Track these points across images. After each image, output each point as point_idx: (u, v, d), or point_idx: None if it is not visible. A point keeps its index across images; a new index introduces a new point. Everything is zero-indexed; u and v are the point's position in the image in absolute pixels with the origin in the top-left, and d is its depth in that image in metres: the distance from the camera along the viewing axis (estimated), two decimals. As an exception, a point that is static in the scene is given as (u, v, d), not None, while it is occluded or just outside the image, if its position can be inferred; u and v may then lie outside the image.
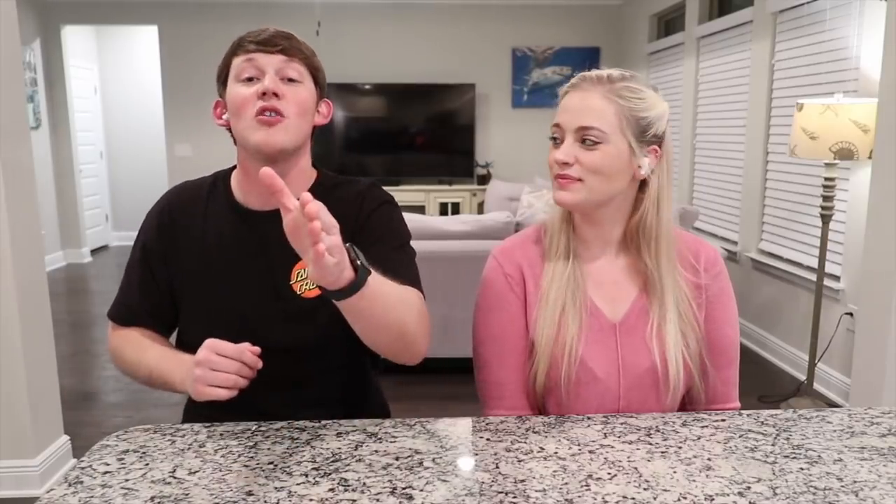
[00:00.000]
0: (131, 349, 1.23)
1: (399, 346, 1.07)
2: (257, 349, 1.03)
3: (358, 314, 0.97)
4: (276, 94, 1.11)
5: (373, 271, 0.95)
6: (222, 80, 1.18)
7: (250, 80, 1.13)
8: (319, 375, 1.22)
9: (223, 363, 1.01)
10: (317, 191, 1.21)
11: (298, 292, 1.18)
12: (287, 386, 1.18)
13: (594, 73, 1.14)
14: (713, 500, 0.84)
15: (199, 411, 1.25)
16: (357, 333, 1.02)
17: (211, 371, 1.00)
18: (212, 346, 1.02)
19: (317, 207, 0.84)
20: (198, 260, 1.21)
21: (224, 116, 1.19)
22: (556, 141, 1.13)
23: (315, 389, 1.22)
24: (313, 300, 1.17)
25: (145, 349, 1.21)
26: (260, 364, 1.03)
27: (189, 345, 1.16)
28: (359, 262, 0.92)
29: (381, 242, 1.18)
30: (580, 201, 1.12)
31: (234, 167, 1.27)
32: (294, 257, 1.13)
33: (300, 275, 1.18)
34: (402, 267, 1.16)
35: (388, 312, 1.01)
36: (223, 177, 1.27)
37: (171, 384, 1.13)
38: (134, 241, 1.29)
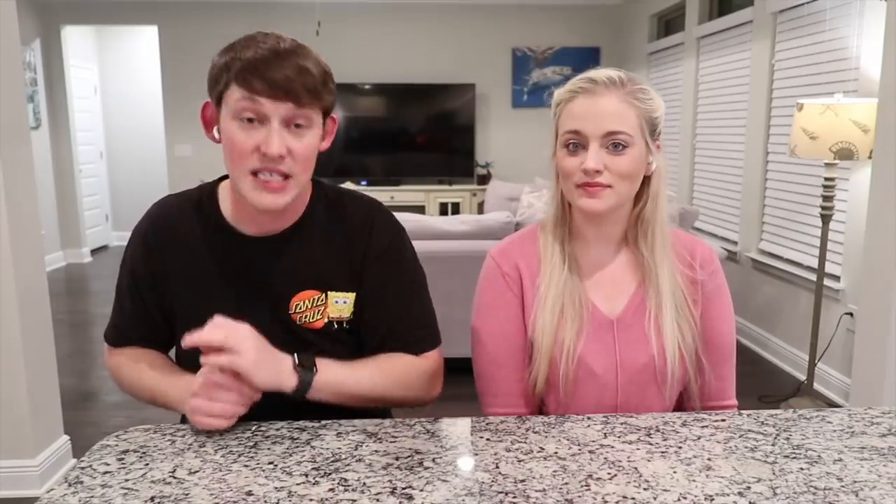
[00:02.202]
0: (128, 371, 1.18)
1: (388, 406, 1.14)
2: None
3: (327, 400, 1.06)
4: (281, 157, 1.00)
5: (324, 368, 1.04)
6: (216, 96, 1.05)
7: (250, 120, 1.00)
8: (319, 404, 1.14)
9: (220, 393, 0.99)
10: (317, 209, 1.16)
11: (298, 323, 1.13)
12: (286, 414, 1.11)
13: (602, 75, 1.12)
14: (713, 500, 0.84)
15: None
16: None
17: (207, 402, 0.99)
18: (207, 377, 0.99)
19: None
20: (190, 286, 1.14)
21: (216, 131, 1.08)
22: (575, 148, 1.11)
23: (316, 416, 1.16)
24: (315, 332, 1.13)
25: (142, 371, 1.15)
26: (259, 394, 1.01)
27: (186, 367, 1.12)
28: (299, 368, 1.01)
29: (393, 289, 1.16)
30: (610, 207, 1.12)
31: (220, 179, 1.18)
32: (293, 287, 1.12)
33: (299, 307, 1.13)
34: (413, 322, 1.17)
35: (357, 396, 1.08)
36: (209, 193, 1.17)
37: (172, 405, 1.10)
38: (121, 263, 1.21)
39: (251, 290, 1.12)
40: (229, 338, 0.96)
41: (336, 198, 1.18)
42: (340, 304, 1.14)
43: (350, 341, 1.17)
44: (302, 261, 1.13)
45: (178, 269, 1.14)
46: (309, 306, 1.13)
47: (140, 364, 1.17)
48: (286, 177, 1.03)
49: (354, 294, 1.15)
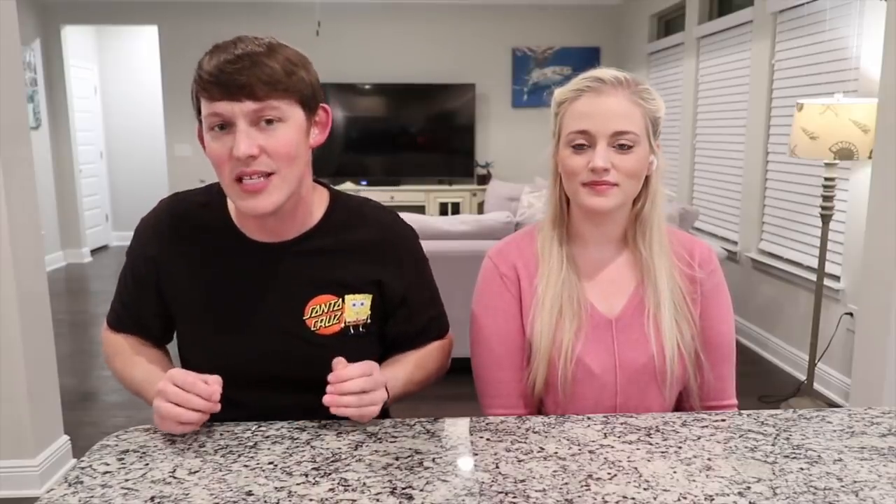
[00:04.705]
0: (121, 360, 1.17)
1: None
2: (218, 378, 0.98)
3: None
4: (253, 157, 0.98)
5: (389, 387, 1.09)
6: (197, 116, 1.04)
7: (222, 127, 0.99)
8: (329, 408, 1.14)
9: (182, 396, 0.96)
10: (332, 221, 1.15)
11: (313, 329, 1.12)
12: (297, 416, 1.10)
13: (609, 75, 1.12)
14: (713, 500, 0.84)
15: None
16: None
17: (166, 403, 0.96)
18: (171, 377, 0.97)
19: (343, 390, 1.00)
20: (199, 292, 1.12)
21: None
22: (581, 147, 1.11)
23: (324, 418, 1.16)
24: (330, 337, 1.12)
25: (134, 364, 1.15)
26: (217, 396, 0.96)
27: (192, 369, 1.09)
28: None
29: (427, 295, 1.23)
30: (616, 205, 1.12)
31: None
32: (308, 293, 1.12)
33: (315, 311, 1.11)
34: (431, 316, 1.24)
35: (414, 389, 1.19)
36: (216, 193, 1.13)
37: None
38: (127, 251, 1.19)
39: (262, 297, 1.11)
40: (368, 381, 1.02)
41: (353, 207, 1.18)
42: (358, 307, 1.13)
43: (365, 345, 1.15)
44: (317, 266, 1.12)
45: (187, 276, 1.13)
46: (325, 310, 1.12)
47: (132, 357, 1.16)
48: (269, 175, 1.00)
49: (371, 297, 1.14)
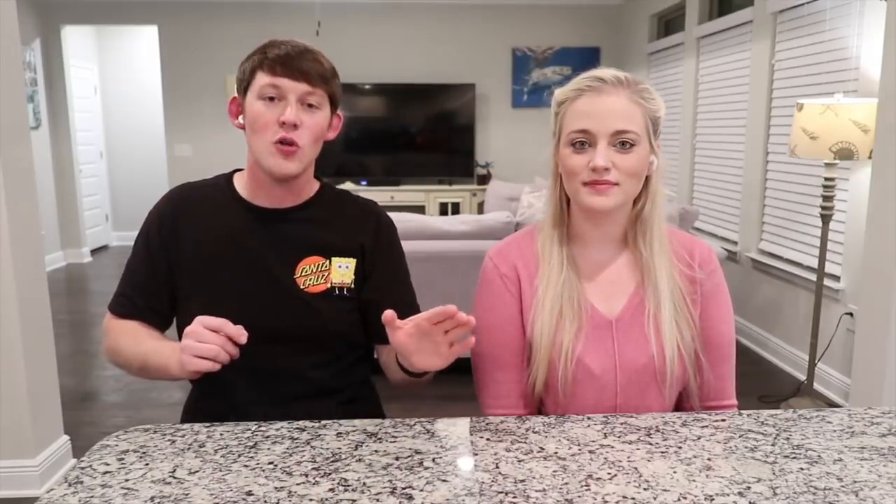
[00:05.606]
0: (126, 340, 1.25)
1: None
2: (241, 327, 1.06)
3: (418, 383, 1.21)
4: (294, 126, 1.18)
5: None
6: (243, 87, 1.22)
7: (272, 99, 1.18)
8: (316, 368, 1.25)
9: (208, 335, 1.04)
10: (323, 199, 1.31)
11: (302, 287, 1.24)
12: (287, 376, 1.23)
13: (609, 74, 1.12)
14: (713, 500, 0.84)
15: (199, 411, 1.27)
16: (395, 379, 1.24)
17: (196, 342, 1.04)
18: (200, 320, 1.06)
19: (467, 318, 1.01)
20: (204, 253, 1.24)
21: (240, 118, 1.24)
22: (581, 146, 1.11)
23: (314, 380, 1.24)
24: (316, 295, 1.24)
25: (141, 340, 1.23)
26: (244, 338, 1.05)
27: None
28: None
29: (398, 276, 1.32)
30: (617, 204, 1.12)
31: (234, 172, 1.33)
32: (299, 254, 1.25)
33: (304, 271, 1.24)
34: (402, 301, 1.27)
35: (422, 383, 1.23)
36: (225, 178, 1.32)
37: (167, 369, 1.14)
38: (136, 237, 1.30)
39: (260, 255, 1.24)
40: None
41: (341, 191, 1.36)
42: (343, 269, 1.27)
43: (348, 308, 1.27)
44: (309, 230, 1.27)
45: (194, 238, 1.25)
46: (314, 270, 1.25)
47: (139, 334, 1.25)
48: (297, 146, 1.19)
49: (355, 260, 1.28)
